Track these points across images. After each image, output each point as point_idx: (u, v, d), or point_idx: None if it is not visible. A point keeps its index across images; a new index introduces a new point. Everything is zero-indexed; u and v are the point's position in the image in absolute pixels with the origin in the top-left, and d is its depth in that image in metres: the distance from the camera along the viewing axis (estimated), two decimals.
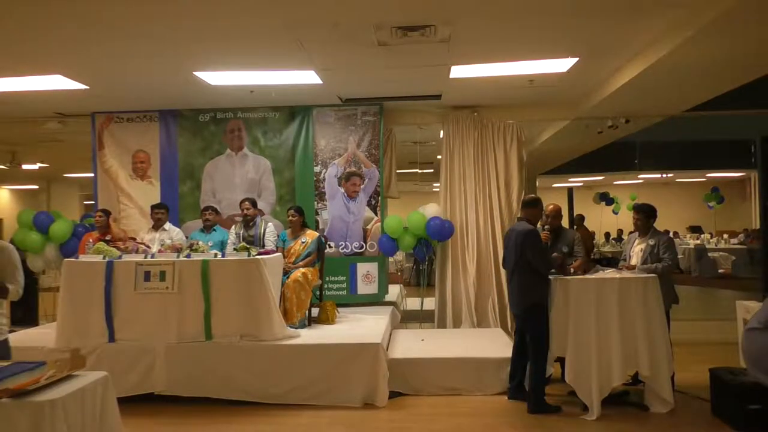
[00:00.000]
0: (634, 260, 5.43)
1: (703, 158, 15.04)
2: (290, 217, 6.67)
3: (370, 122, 7.60)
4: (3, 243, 3.80)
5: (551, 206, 5.70)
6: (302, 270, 6.26)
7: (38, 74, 6.00)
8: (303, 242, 6.57)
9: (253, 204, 6.90)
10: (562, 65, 5.98)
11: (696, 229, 18.68)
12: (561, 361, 5.14)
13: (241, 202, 6.90)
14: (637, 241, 5.50)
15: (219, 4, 4.34)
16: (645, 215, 5.44)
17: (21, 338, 6.03)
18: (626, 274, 5.14)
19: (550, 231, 5.47)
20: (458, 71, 6.10)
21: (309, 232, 6.71)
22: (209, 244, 6.13)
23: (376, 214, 7.58)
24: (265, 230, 6.75)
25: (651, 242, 5.33)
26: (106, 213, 7.16)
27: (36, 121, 7.95)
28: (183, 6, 4.35)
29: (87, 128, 7.91)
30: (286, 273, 6.22)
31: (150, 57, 5.58)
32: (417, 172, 12.24)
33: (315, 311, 6.51)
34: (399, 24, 4.75)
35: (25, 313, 8.65)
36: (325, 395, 5.18)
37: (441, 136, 7.89)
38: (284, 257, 6.41)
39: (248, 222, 6.78)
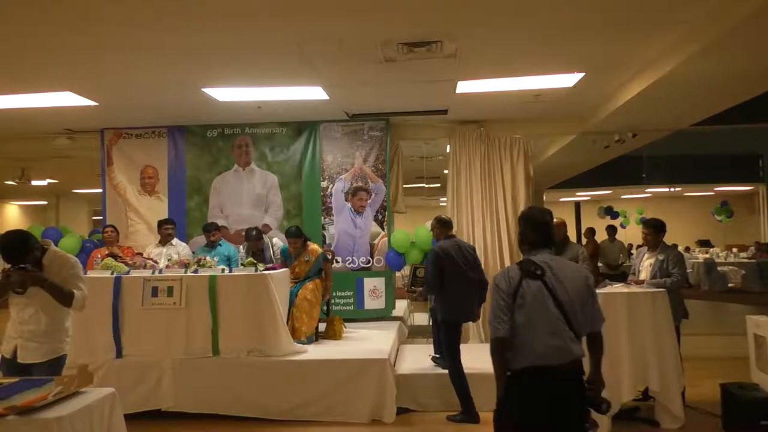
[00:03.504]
0: (644, 275, 5.40)
1: (710, 172, 14.97)
2: (290, 246, 6.49)
3: (376, 137, 7.62)
4: (68, 256, 3.71)
5: (555, 220, 5.68)
6: (310, 287, 6.23)
7: (48, 91, 6.06)
8: (306, 260, 6.44)
9: (258, 234, 6.80)
10: (568, 80, 5.99)
11: (705, 243, 18.56)
12: None
13: (249, 238, 6.77)
14: (646, 256, 5.48)
15: (227, 22, 4.38)
16: (655, 230, 5.43)
17: None
18: (635, 288, 5.11)
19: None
20: (464, 86, 6.12)
21: (311, 248, 6.52)
22: (215, 259, 6.13)
23: (383, 229, 7.57)
24: (272, 246, 6.82)
25: (660, 257, 5.31)
26: (116, 229, 7.19)
27: (46, 137, 8.01)
28: (191, 24, 4.40)
29: (96, 144, 7.97)
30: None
31: (159, 74, 5.63)
32: (424, 186, 12.23)
33: (321, 326, 6.47)
34: (405, 40, 4.78)
35: None
36: (332, 411, 5.15)
37: (447, 150, 7.90)
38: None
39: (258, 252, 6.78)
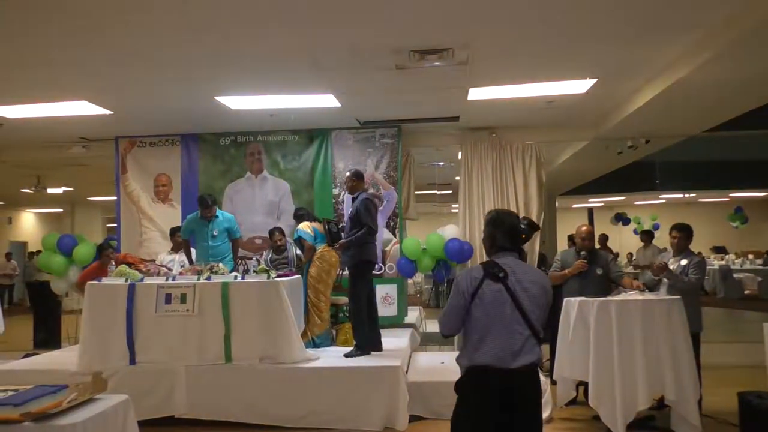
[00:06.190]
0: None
1: (725, 178, 14.83)
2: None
3: (388, 144, 7.63)
4: None
5: (584, 227, 5.58)
6: (312, 277, 6.35)
7: (64, 100, 6.15)
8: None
9: (282, 232, 7.02)
10: (580, 86, 5.97)
11: (720, 250, 18.39)
12: (585, 385, 5.05)
13: (272, 233, 6.99)
14: (671, 260, 5.44)
15: (240, 32, 4.42)
16: (685, 234, 5.43)
17: (43, 361, 6.10)
18: (649, 295, 5.06)
19: (588, 254, 5.39)
20: (476, 93, 6.12)
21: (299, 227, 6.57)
22: (215, 231, 6.26)
23: (394, 236, 7.57)
24: (296, 252, 6.90)
25: (683, 262, 5.29)
26: (113, 247, 7.29)
27: (61, 145, 8.11)
28: (205, 33, 4.44)
29: (110, 152, 8.05)
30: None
31: (173, 83, 5.68)
32: (435, 193, 12.23)
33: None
34: (417, 47, 4.79)
35: (48, 336, 8.75)
36: (344, 419, 5.13)
37: (459, 157, 7.89)
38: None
39: (280, 248, 6.89)
